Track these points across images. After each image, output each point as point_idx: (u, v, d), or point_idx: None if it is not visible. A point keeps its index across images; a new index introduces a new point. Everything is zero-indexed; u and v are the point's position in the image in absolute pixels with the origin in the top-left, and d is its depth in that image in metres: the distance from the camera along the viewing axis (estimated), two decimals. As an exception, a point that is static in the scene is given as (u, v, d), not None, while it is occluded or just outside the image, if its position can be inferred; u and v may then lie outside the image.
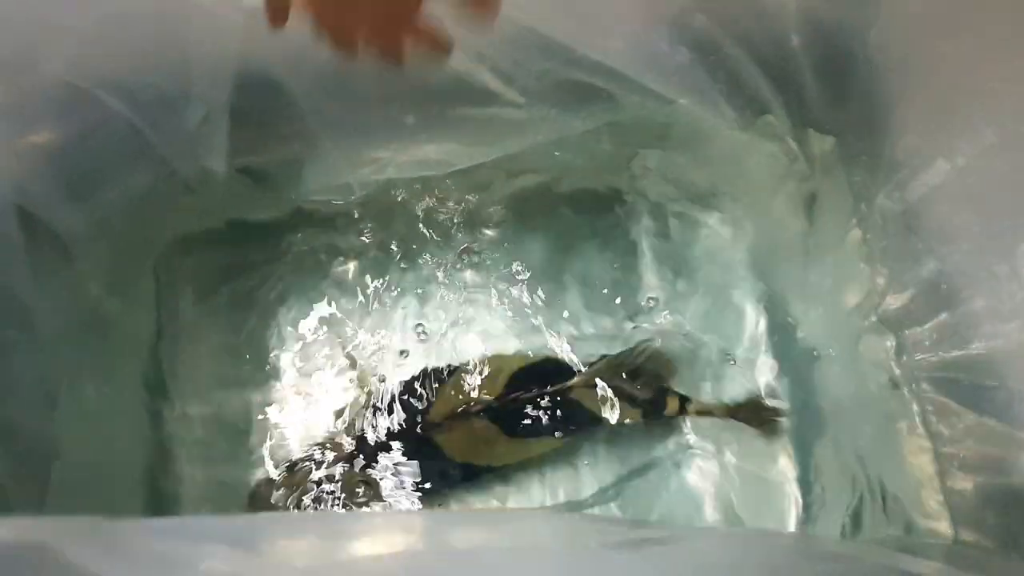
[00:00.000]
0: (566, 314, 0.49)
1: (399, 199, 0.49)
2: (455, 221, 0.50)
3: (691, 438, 0.46)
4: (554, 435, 0.45)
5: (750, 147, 0.46)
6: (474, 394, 0.45)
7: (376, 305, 0.49)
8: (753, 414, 0.46)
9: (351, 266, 0.49)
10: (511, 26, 0.30)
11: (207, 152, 0.39)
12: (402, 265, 0.49)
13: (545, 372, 0.46)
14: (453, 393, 0.45)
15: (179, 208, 0.44)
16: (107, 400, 0.42)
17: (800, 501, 0.44)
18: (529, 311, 0.49)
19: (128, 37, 0.33)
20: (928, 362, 0.34)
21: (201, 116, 0.36)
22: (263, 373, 0.47)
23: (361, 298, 0.49)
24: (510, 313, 0.49)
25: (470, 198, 0.50)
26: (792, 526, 0.43)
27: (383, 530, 0.26)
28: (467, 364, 0.46)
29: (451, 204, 0.50)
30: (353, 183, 0.41)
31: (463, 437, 0.44)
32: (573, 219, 0.51)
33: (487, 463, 0.45)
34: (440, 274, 0.49)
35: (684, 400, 0.46)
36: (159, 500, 0.44)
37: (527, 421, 0.44)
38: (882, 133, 0.33)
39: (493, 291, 0.49)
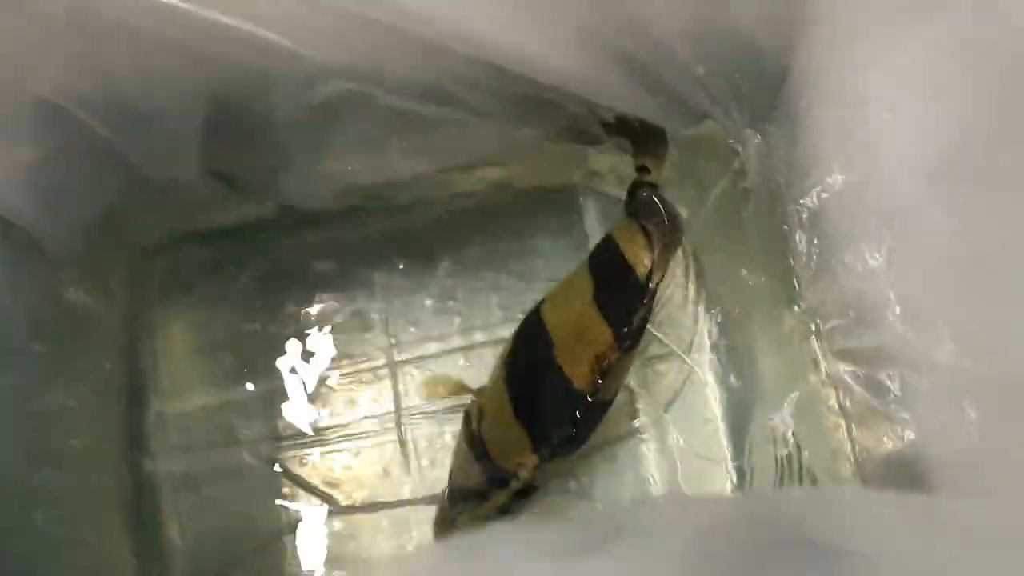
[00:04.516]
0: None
1: (369, 197, 0.51)
2: (423, 215, 0.52)
3: (637, 423, 0.50)
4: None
5: (695, 145, 0.50)
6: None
7: (362, 301, 0.51)
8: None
9: (329, 265, 0.51)
10: (460, 57, 0.33)
11: (179, 162, 0.41)
12: (379, 259, 0.51)
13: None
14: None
15: (152, 212, 0.46)
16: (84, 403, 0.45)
17: (734, 478, 0.49)
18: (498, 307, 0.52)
19: (104, 58, 0.35)
20: (837, 347, 0.39)
21: (173, 130, 0.38)
22: (247, 372, 0.49)
23: (343, 293, 0.50)
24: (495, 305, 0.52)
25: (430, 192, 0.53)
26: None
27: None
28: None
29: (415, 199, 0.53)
30: (327, 191, 0.44)
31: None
32: (528, 212, 0.54)
33: None
34: (416, 265, 0.51)
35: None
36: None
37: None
38: (795, 146, 0.37)
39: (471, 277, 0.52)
